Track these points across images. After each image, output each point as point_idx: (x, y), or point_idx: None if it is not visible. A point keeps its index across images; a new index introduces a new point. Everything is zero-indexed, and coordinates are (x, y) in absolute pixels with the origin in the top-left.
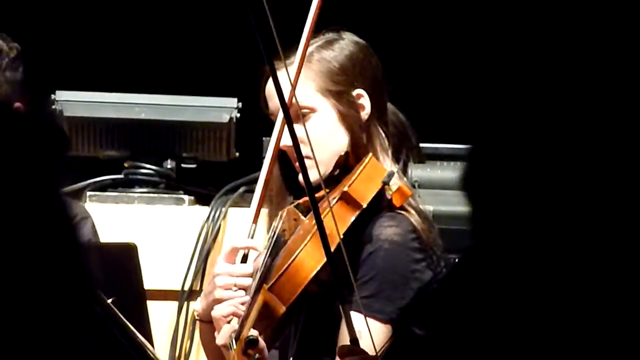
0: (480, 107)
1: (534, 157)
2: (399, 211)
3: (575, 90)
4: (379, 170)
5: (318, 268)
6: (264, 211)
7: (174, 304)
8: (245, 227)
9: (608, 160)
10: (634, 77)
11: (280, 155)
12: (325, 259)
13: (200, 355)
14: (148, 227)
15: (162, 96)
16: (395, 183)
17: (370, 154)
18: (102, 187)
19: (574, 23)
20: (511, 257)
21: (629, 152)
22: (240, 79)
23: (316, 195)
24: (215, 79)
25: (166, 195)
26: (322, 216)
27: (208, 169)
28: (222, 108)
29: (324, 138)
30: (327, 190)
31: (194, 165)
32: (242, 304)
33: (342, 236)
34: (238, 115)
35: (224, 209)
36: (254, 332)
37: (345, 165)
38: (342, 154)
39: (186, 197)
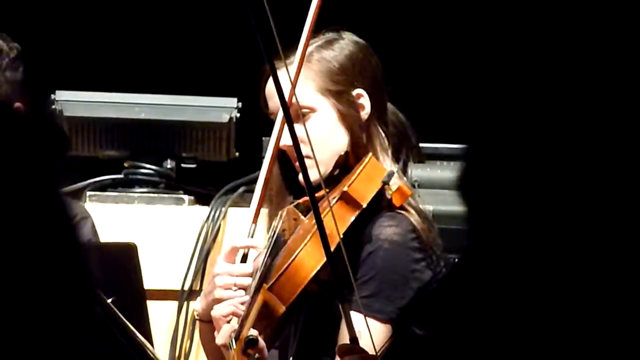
0: (479, 107)
1: (532, 157)
2: (399, 211)
3: (572, 91)
4: (379, 170)
5: (318, 268)
6: (264, 211)
7: (174, 304)
8: (245, 227)
9: (605, 160)
10: (631, 76)
11: (280, 155)
12: (325, 259)
13: (200, 355)
14: (148, 227)
15: (162, 96)
16: (395, 183)
17: (370, 154)
18: (102, 187)
19: (570, 23)
20: (510, 257)
21: (626, 151)
22: (240, 78)
23: (316, 195)
24: (215, 79)
25: (166, 195)
26: (322, 216)
27: (208, 169)
28: (222, 108)
29: (323, 138)
30: (327, 190)
31: (193, 165)
32: (242, 303)
33: (342, 236)
34: (238, 115)
35: (223, 209)
36: (253, 332)
37: (345, 165)
38: (342, 153)
39: (186, 197)
